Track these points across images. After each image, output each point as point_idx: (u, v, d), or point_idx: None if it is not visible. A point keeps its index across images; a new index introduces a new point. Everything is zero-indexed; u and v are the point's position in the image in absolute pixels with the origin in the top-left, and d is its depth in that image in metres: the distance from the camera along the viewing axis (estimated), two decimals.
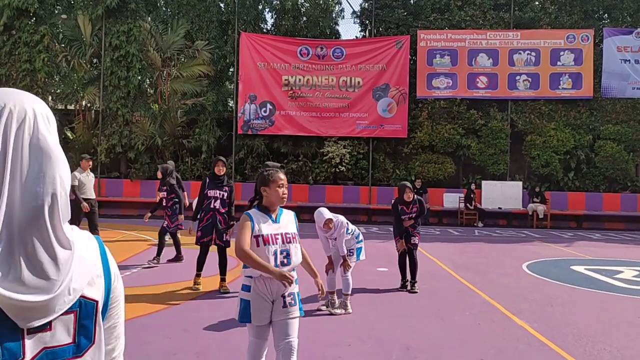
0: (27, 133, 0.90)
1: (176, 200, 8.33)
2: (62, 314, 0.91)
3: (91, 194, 9.01)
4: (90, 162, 9.18)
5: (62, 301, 0.89)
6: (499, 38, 17.23)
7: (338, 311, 5.66)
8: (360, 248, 6.06)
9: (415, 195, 6.73)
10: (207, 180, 6.62)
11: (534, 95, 17.24)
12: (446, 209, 16.52)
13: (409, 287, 6.79)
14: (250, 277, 3.06)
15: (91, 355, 0.97)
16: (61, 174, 0.92)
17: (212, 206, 6.48)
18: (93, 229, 8.83)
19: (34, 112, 0.92)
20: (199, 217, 6.60)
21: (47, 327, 0.90)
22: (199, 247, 6.64)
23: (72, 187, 8.51)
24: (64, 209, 0.92)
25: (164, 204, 8.39)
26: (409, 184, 6.80)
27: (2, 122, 0.88)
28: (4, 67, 17.41)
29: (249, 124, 17.46)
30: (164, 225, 8.34)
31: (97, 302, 0.97)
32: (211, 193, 6.51)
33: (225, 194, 6.55)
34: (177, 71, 17.55)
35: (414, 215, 6.76)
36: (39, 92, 17.66)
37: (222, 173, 6.58)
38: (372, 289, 6.87)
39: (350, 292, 5.79)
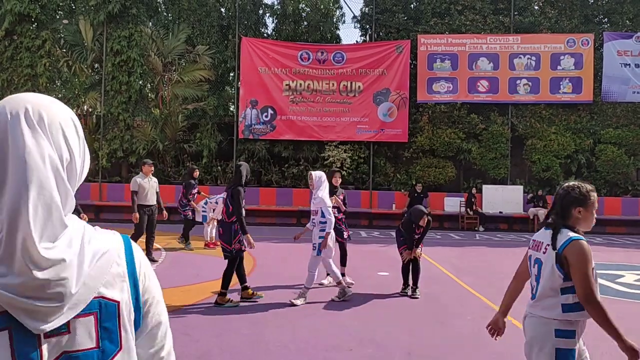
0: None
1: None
2: (80, 315, 0.88)
3: (152, 200, 8.70)
4: (152, 167, 8.92)
5: (70, 299, 0.86)
6: (499, 42, 17.27)
7: (298, 302, 6.09)
8: (318, 244, 6.21)
9: (428, 218, 6.78)
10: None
11: (534, 99, 17.26)
12: (447, 213, 16.51)
13: (409, 293, 6.78)
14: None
15: None
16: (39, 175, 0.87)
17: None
18: (149, 235, 8.65)
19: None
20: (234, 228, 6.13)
21: (64, 329, 0.87)
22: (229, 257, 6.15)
23: (132, 192, 8.42)
24: (48, 204, 0.86)
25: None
26: (426, 211, 6.86)
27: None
28: (5, 72, 17.48)
29: (250, 128, 17.49)
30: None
31: (118, 303, 0.94)
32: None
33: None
34: (178, 76, 17.60)
35: (421, 231, 6.83)
36: None
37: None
38: (374, 293, 6.86)
39: (310, 286, 6.21)
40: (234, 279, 6.17)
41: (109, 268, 0.94)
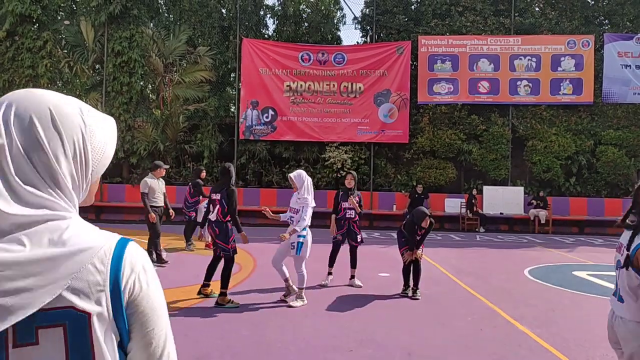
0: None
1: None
2: (48, 326, 0.81)
3: (161, 201, 8.70)
4: (164, 171, 8.88)
5: (25, 295, 0.78)
6: (499, 44, 17.28)
7: (296, 303, 6.04)
8: (302, 243, 6.10)
9: (431, 220, 6.76)
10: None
11: (534, 100, 17.26)
12: (447, 214, 16.51)
13: (410, 294, 6.79)
14: None
15: None
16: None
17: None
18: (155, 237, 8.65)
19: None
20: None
21: (32, 340, 0.81)
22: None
23: (142, 194, 8.39)
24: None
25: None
26: (428, 212, 6.84)
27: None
28: (7, 73, 17.51)
29: (250, 129, 17.51)
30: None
31: (89, 314, 0.84)
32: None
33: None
34: (179, 77, 17.62)
35: (422, 232, 6.83)
36: None
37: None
38: (374, 294, 6.87)
39: (304, 286, 6.17)
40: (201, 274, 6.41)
41: (86, 275, 0.85)
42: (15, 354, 0.80)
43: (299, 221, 6.06)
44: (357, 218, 7.36)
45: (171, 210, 9.11)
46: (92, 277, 0.85)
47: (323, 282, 7.29)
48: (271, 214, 6.31)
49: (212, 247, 6.60)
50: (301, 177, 6.18)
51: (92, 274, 0.85)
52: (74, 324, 0.83)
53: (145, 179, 8.57)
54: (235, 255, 6.25)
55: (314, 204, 6.23)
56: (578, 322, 5.73)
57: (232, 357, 4.37)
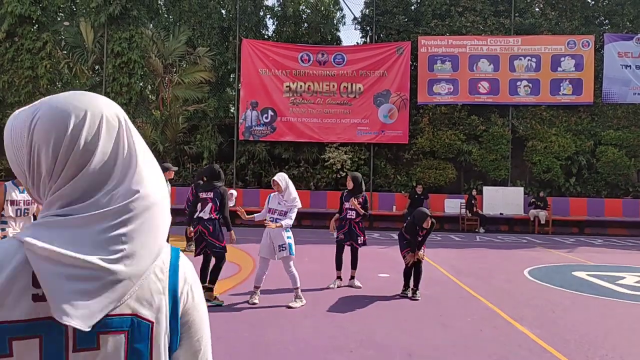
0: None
1: None
2: (110, 332, 0.82)
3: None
4: (172, 174, 8.87)
5: (109, 295, 0.79)
6: (499, 44, 17.28)
7: (296, 304, 6.04)
8: (291, 244, 6.20)
9: (432, 220, 6.74)
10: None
11: (534, 101, 17.26)
12: (447, 215, 16.49)
13: (410, 295, 6.77)
14: None
15: None
16: None
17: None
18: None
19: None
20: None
21: (94, 345, 0.81)
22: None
23: None
24: None
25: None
26: (429, 213, 6.82)
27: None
28: (6, 74, 17.52)
29: (250, 130, 17.50)
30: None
31: (152, 323, 0.85)
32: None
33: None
34: (178, 77, 17.61)
35: (424, 233, 6.81)
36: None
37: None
38: (374, 295, 6.86)
39: (299, 285, 6.11)
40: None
41: (151, 284, 0.87)
42: (74, 358, 0.81)
43: (286, 221, 6.16)
44: (358, 219, 7.30)
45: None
46: (154, 285, 0.87)
47: (330, 286, 7.22)
48: (246, 215, 6.37)
49: (194, 239, 6.56)
50: (285, 179, 6.23)
51: (154, 282, 0.87)
52: (136, 331, 0.84)
53: None
54: (225, 254, 6.31)
55: (300, 205, 6.34)
56: (578, 323, 5.72)
57: (231, 358, 4.36)
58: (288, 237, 6.10)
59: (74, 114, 0.84)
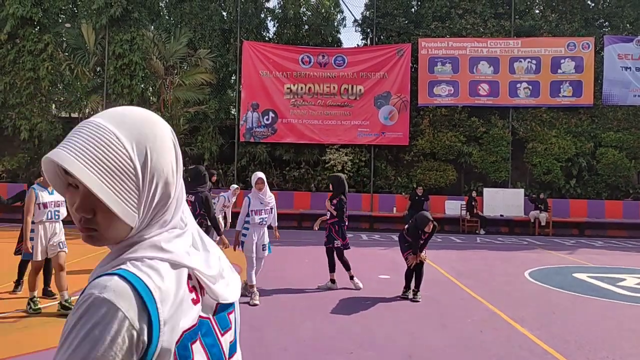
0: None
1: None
2: (231, 311, 1.03)
3: None
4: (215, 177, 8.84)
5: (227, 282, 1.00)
6: (499, 46, 17.31)
7: (257, 300, 6.20)
8: (270, 242, 6.52)
9: (434, 224, 6.73)
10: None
11: (534, 102, 17.29)
12: (448, 217, 16.51)
13: (411, 296, 6.78)
14: None
15: None
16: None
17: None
18: None
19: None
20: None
21: (228, 325, 1.02)
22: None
23: None
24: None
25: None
26: (431, 217, 6.81)
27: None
28: (8, 76, 17.55)
29: (251, 131, 17.53)
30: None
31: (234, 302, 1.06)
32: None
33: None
34: (179, 79, 17.63)
35: (426, 237, 6.82)
36: (43, 100, 17.80)
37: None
38: (374, 296, 6.87)
39: (253, 283, 6.26)
40: None
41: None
42: (224, 342, 0.99)
43: (274, 218, 6.50)
44: (333, 221, 7.13)
45: None
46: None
47: (320, 285, 7.27)
48: (224, 225, 6.74)
49: None
50: (263, 178, 6.42)
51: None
52: (235, 309, 1.05)
53: None
54: None
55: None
56: (578, 324, 5.73)
57: None
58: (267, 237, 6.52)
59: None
